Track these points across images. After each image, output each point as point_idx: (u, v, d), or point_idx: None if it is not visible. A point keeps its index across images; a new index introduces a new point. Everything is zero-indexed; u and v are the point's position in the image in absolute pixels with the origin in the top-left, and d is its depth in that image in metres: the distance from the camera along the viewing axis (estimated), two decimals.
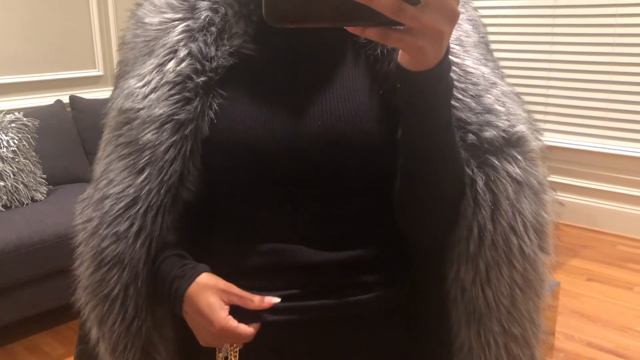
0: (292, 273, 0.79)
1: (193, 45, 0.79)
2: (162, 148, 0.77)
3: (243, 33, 0.80)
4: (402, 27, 0.58)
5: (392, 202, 0.79)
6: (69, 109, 3.28)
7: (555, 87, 3.77)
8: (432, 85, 0.66)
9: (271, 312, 0.77)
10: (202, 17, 0.80)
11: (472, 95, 0.76)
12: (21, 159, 2.79)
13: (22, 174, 2.78)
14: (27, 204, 2.79)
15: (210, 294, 0.76)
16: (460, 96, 0.75)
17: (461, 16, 0.78)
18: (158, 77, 0.79)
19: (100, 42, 3.56)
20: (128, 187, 0.78)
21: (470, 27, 0.82)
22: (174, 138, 0.77)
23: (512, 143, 0.76)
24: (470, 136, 0.75)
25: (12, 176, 2.74)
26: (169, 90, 0.78)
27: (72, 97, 3.30)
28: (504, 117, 0.76)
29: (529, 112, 0.82)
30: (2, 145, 2.74)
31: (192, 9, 0.81)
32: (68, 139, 3.15)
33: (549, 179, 0.81)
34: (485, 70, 0.79)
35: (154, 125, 0.78)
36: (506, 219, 0.75)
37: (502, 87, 0.79)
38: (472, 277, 0.77)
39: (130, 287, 0.79)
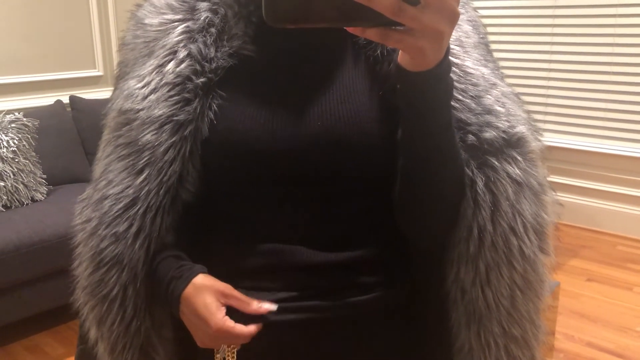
0: (292, 274, 0.79)
1: (193, 47, 0.79)
2: (162, 149, 0.77)
3: (243, 34, 0.80)
4: (402, 28, 0.58)
5: (392, 202, 0.79)
6: (69, 109, 3.28)
7: (555, 87, 3.77)
8: (432, 85, 0.66)
9: (271, 312, 0.77)
10: (202, 18, 0.80)
11: (472, 96, 0.76)
12: (21, 159, 2.79)
13: (22, 174, 2.78)
14: (27, 204, 2.79)
15: (207, 295, 0.76)
16: (460, 97, 0.75)
17: (461, 17, 0.78)
18: (158, 78, 0.79)
19: (100, 42, 3.56)
20: (127, 188, 0.78)
21: (471, 27, 0.82)
22: (174, 139, 0.77)
23: (512, 144, 0.76)
24: (470, 137, 0.75)
25: (12, 176, 2.74)
26: (169, 91, 0.78)
27: (72, 97, 3.30)
28: (504, 118, 0.76)
29: (529, 112, 0.82)
30: (2, 145, 2.74)
31: (192, 10, 0.81)
32: (68, 139, 3.15)
33: (549, 179, 0.80)
34: (485, 71, 0.79)
35: (154, 126, 0.78)
36: (506, 220, 0.75)
37: (502, 87, 0.79)
38: (472, 278, 0.76)
39: (129, 288, 0.79)
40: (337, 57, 0.80)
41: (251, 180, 0.78)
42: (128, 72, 0.84)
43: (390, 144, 0.75)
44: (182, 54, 0.79)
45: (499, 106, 0.76)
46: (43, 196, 2.86)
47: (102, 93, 3.53)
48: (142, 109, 0.78)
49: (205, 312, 0.75)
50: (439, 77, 0.65)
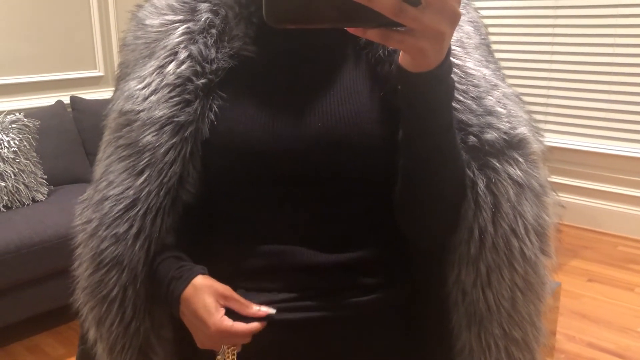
0: (292, 274, 0.78)
1: (193, 48, 0.79)
2: (162, 150, 0.77)
3: (243, 35, 0.80)
4: (403, 28, 0.58)
5: (392, 203, 0.79)
6: (69, 110, 3.28)
7: (556, 87, 3.77)
8: (433, 86, 0.66)
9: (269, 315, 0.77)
10: (203, 19, 0.80)
11: (473, 97, 0.75)
12: (22, 159, 2.79)
13: (22, 175, 2.78)
14: (27, 204, 2.79)
15: (207, 296, 0.76)
16: (461, 98, 0.75)
17: (462, 18, 0.78)
18: (158, 79, 0.79)
19: (101, 42, 3.56)
20: (128, 189, 0.78)
21: (472, 28, 0.82)
22: (174, 140, 0.77)
23: (513, 145, 0.75)
24: (471, 138, 0.75)
25: (13, 177, 2.74)
26: (169, 92, 0.78)
27: (72, 98, 3.30)
28: (505, 119, 0.76)
29: (530, 113, 0.82)
30: (3, 145, 2.74)
31: (193, 11, 0.81)
32: (69, 139, 3.15)
33: (550, 179, 0.80)
34: (487, 72, 0.78)
35: (154, 127, 0.78)
36: (507, 222, 0.74)
37: (504, 88, 0.79)
38: (472, 280, 0.76)
39: (129, 289, 0.79)
40: (338, 58, 0.80)
41: (251, 181, 0.78)
42: (129, 73, 0.84)
43: (391, 144, 0.75)
44: (182, 55, 0.79)
45: (500, 107, 0.76)
46: (44, 197, 2.86)
47: (103, 93, 3.53)
48: (142, 110, 0.78)
49: (204, 313, 0.75)
50: (440, 78, 0.65)
